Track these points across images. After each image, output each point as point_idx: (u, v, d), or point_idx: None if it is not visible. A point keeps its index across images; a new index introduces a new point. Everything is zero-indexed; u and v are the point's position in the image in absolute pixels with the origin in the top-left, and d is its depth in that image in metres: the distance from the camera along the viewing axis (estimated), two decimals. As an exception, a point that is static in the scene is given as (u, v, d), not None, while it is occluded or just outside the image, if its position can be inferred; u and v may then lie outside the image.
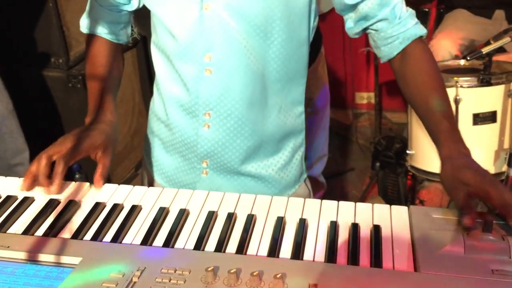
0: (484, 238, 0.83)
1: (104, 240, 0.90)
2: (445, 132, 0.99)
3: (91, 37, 1.23)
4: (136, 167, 3.08)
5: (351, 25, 1.12)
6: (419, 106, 1.08)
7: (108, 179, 1.07)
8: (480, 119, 1.96)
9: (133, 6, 1.20)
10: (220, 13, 1.05)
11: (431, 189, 2.52)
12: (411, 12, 1.10)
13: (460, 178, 0.90)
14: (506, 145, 2.00)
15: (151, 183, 1.29)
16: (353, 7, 1.09)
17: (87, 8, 1.23)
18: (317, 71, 2.07)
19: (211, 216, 0.94)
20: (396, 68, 1.13)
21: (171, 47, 1.12)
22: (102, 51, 1.22)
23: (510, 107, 1.98)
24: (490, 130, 1.99)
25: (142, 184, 1.31)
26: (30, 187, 0.99)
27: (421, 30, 1.10)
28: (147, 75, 3.13)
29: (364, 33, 1.14)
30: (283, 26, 1.07)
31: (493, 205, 0.86)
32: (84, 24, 1.24)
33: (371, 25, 1.09)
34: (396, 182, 2.53)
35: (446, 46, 2.40)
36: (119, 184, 1.05)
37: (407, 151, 2.23)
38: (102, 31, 1.22)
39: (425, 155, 2.16)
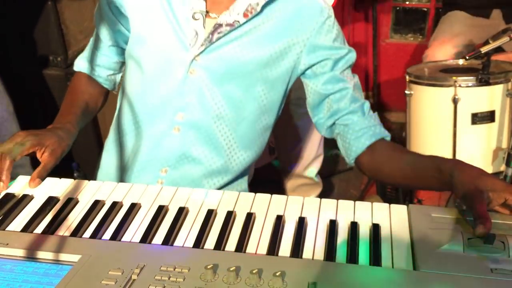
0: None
1: (103, 238, 0.90)
2: (443, 159, 1.02)
3: (78, 72, 1.30)
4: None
5: (322, 120, 1.19)
6: (409, 183, 1.11)
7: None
8: (479, 118, 1.95)
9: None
10: (204, 79, 1.13)
11: (429, 188, 2.52)
12: (376, 115, 1.18)
13: (479, 185, 0.89)
14: (504, 144, 2.00)
15: None
16: (325, 99, 1.16)
17: (86, 49, 1.30)
18: None
19: (210, 214, 0.94)
20: (366, 164, 1.15)
21: (149, 100, 1.17)
22: (85, 83, 1.28)
23: (508, 106, 1.98)
24: (489, 130, 1.99)
25: None
26: None
27: (386, 132, 1.16)
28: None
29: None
30: (254, 109, 1.17)
31: None
32: (77, 63, 1.31)
33: (342, 117, 1.15)
34: (395, 181, 2.53)
35: (440, 56, 2.38)
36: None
37: (406, 151, 2.22)
38: (91, 72, 1.28)
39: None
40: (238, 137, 1.18)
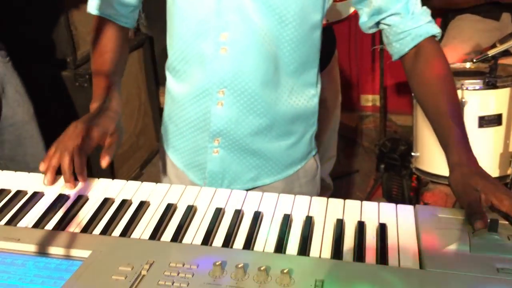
0: (490, 238, 0.84)
1: (113, 234, 0.91)
2: (456, 139, 0.99)
3: (99, 19, 1.22)
4: (141, 167, 3.10)
5: (365, 20, 1.14)
6: (430, 109, 1.09)
7: (113, 178, 1.08)
8: (486, 121, 1.96)
9: None
10: None
11: (436, 191, 2.53)
12: (426, 10, 1.11)
13: (471, 184, 0.91)
14: (511, 148, 2.01)
15: (168, 167, 1.33)
16: None
17: None
18: (331, 73, 2.08)
19: (219, 213, 0.95)
20: (407, 67, 1.14)
21: (188, 27, 1.13)
22: (109, 35, 1.21)
23: (516, 110, 1.98)
24: (496, 133, 1.99)
25: (162, 164, 1.35)
26: (53, 181, 1.00)
27: (435, 29, 1.11)
28: (153, 75, 3.15)
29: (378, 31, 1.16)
30: (298, 10, 1.09)
31: (506, 212, 0.88)
32: (92, 5, 1.22)
33: (384, 19, 1.11)
34: (401, 184, 2.53)
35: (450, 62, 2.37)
36: (126, 181, 1.06)
37: (412, 153, 2.23)
38: (111, 12, 1.21)
39: (431, 157, 2.16)
40: (286, 41, 1.12)
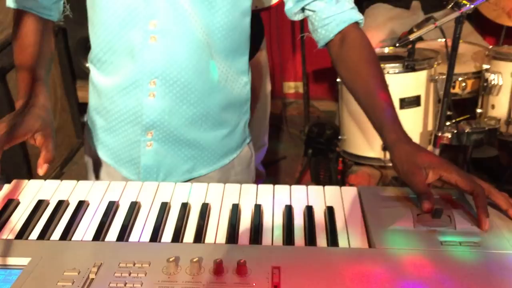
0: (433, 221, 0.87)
1: (51, 238, 0.85)
2: (390, 118, 1.01)
3: (19, 13, 1.14)
4: (61, 166, 2.94)
5: (290, 6, 1.14)
6: (360, 92, 1.10)
7: (30, 179, 1.01)
8: (406, 103, 2.06)
9: None
10: None
11: (359, 173, 2.63)
12: None
13: (417, 162, 0.92)
14: (430, 127, 2.12)
15: (96, 164, 1.27)
16: None
17: None
18: (259, 61, 2.08)
19: (165, 207, 0.91)
20: (334, 53, 1.15)
21: (114, 15, 1.08)
22: (31, 29, 1.13)
23: (432, 91, 2.10)
24: (415, 114, 2.10)
25: (89, 163, 1.28)
26: None
27: (358, 15, 1.13)
28: (69, 69, 2.99)
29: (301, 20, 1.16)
30: None
31: (457, 185, 0.89)
32: None
33: (308, 4, 1.11)
34: (328, 168, 2.61)
35: None
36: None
37: (339, 137, 2.30)
38: (32, 5, 1.13)
39: (355, 140, 2.24)
40: (216, 28, 1.10)
